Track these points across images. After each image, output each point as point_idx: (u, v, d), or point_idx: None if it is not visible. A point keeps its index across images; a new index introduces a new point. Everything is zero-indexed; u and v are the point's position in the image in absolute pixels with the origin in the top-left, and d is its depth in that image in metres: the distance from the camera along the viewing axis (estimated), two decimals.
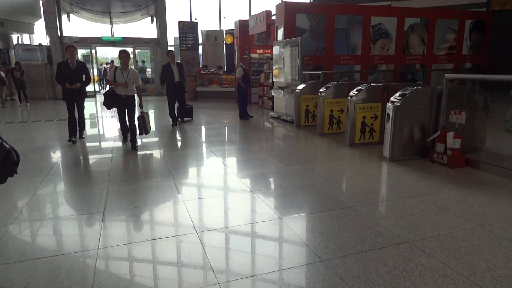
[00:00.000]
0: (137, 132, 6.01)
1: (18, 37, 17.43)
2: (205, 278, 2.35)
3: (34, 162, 5.28)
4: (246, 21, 12.80)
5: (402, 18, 9.65)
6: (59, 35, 15.48)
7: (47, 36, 15.52)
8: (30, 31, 17.74)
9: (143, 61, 18.35)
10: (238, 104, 9.26)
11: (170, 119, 8.43)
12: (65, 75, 6.06)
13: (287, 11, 8.68)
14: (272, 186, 4.25)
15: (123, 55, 5.77)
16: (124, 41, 16.61)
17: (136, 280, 2.35)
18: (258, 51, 12.59)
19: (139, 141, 6.54)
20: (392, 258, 2.51)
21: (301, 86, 7.78)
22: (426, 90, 5.09)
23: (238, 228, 3.08)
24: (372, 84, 6.04)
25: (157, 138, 7.01)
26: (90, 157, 5.88)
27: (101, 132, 8.30)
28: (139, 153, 5.83)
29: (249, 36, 12.82)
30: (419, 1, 11.83)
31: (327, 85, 7.00)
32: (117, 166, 5.05)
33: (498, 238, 2.78)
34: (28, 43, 17.54)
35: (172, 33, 18.28)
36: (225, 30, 15.52)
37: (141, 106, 6.12)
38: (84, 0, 16.35)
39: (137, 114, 6.15)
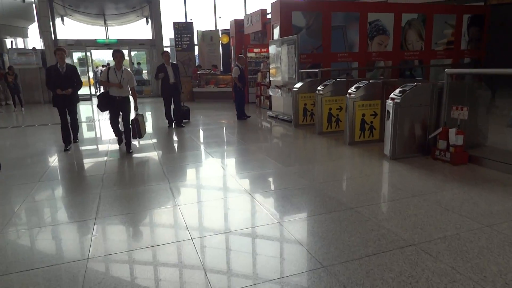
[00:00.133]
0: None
1: (12, 41, 17.24)
2: None
3: (26, 167, 5.14)
4: (242, 20, 12.65)
5: (399, 14, 9.53)
6: (53, 38, 15.33)
7: (41, 40, 15.35)
8: (24, 35, 17.54)
9: (138, 63, 18.19)
10: (235, 104, 9.13)
11: (167, 121, 8.30)
12: (56, 80, 5.78)
13: (283, 9, 8.55)
14: (271, 187, 4.12)
15: (117, 54, 5.56)
16: (119, 43, 16.44)
17: None
18: (255, 50, 12.46)
19: (136, 144, 6.41)
20: (397, 263, 2.39)
21: (298, 85, 7.66)
22: (427, 86, 4.97)
23: (236, 233, 2.95)
24: (371, 81, 5.92)
25: (153, 140, 6.88)
26: (83, 161, 5.73)
27: (96, 136, 8.16)
28: (134, 156, 5.69)
29: (245, 35, 12.68)
30: None
31: (325, 83, 6.87)
32: (111, 170, 4.91)
33: (508, 239, 2.66)
34: (22, 47, 17.36)
35: (168, 34, 18.14)
36: (221, 30, 15.37)
37: (135, 108, 5.94)
38: (77, 2, 16.18)
39: (132, 117, 5.97)
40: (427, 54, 10.14)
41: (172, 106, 8.22)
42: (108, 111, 5.99)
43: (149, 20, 17.24)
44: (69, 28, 17.61)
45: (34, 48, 15.28)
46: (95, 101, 15.09)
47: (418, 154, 5.02)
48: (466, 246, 2.58)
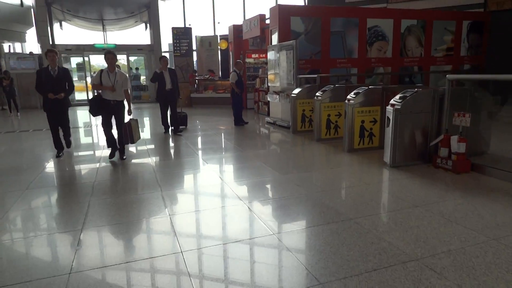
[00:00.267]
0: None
1: (9, 45, 17.17)
2: None
3: (14, 174, 4.98)
4: (240, 25, 12.60)
5: (398, 20, 9.46)
6: (51, 43, 15.25)
7: (39, 45, 15.27)
8: (22, 40, 17.48)
9: (137, 68, 18.11)
10: (233, 110, 9.00)
11: (163, 127, 8.16)
12: (47, 84, 5.54)
13: (281, 14, 8.46)
14: (267, 196, 3.97)
15: (109, 56, 5.33)
16: (118, 48, 16.36)
17: None
18: (253, 55, 12.38)
19: (134, 150, 6.25)
20: (399, 280, 2.23)
21: (296, 90, 7.54)
22: (428, 92, 4.84)
23: (229, 246, 2.79)
24: (370, 87, 5.80)
25: (148, 146, 6.73)
26: (75, 168, 5.56)
27: (91, 141, 8.01)
28: (127, 162, 5.53)
29: (244, 40, 12.61)
30: (415, 3, 11.69)
31: (324, 88, 6.76)
32: (102, 177, 4.76)
33: None
34: (20, 51, 17.28)
35: (166, 39, 18.09)
36: (220, 35, 15.32)
37: (129, 112, 5.70)
38: (76, 7, 16.14)
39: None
40: (426, 61, 10.06)
41: (169, 112, 8.08)
42: (100, 116, 5.63)
43: (148, 25, 17.19)
44: (67, 33, 17.52)
45: (31, 53, 15.20)
46: None
47: (419, 162, 4.88)
48: (472, 261, 2.42)
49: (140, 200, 3.83)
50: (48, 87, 5.56)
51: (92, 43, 16.36)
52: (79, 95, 16.53)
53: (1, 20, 15.15)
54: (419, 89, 4.87)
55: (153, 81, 7.93)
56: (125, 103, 5.63)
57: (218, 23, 16.94)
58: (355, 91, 5.72)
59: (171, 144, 7.11)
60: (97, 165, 5.41)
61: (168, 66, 7.92)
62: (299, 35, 8.49)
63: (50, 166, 5.45)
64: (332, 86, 6.79)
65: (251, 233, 3.02)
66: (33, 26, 16.34)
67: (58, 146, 5.98)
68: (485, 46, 10.79)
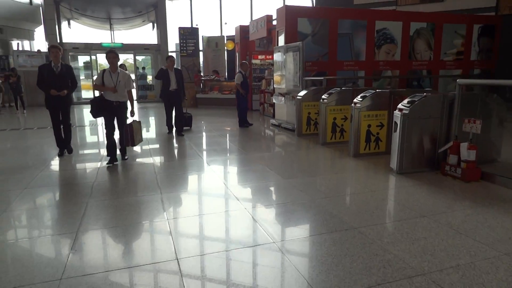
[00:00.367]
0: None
1: (18, 43, 17.31)
2: None
3: (15, 172, 4.93)
4: (247, 26, 12.51)
5: (407, 23, 9.29)
6: (59, 41, 15.32)
7: (47, 43, 15.35)
8: (31, 38, 17.62)
9: (143, 68, 18.13)
10: (237, 111, 8.91)
11: (167, 127, 8.10)
12: (49, 80, 5.44)
13: (288, 15, 8.35)
14: (269, 202, 3.86)
15: (110, 55, 5.16)
16: (125, 48, 16.41)
17: None
18: (259, 57, 12.28)
19: (136, 150, 6.18)
20: None
21: (302, 93, 7.42)
22: (437, 97, 4.70)
23: (226, 254, 2.69)
24: (377, 90, 5.66)
25: (151, 147, 6.66)
26: (76, 167, 5.50)
27: (93, 140, 7.97)
28: (128, 163, 5.46)
29: (250, 42, 12.53)
30: (425, 6, 11.49)
31: (330, 91, 6.63)
32: (102, 178, 4.69)
33: None
34: (29, 49, 17.41)
35: (173, 39, 18.07)
36: (226, 36, 15.26)
37: (132, 114, 5.60)
38: (84, 6, 16.21)
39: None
40: (435, 64, 9.86)
41: (174, 113, 8.00)
42: (102, 117, 5.41)
43: (155, 25, 17.20)
44: (75, 32, 17.63)
45: (39, 51, 15.29)
46: None
47: (426, 169, 4.74)
48: (483, 278, 2.29)
49: (139, 203, 3.74)
50: (50, 84, 5.45)
51: (99, 42, 16.40)
52: (86, 94, 16.60)
53: (10, 18, 15.28)
54: (428, 93, 4.72)
55: (157, 77, 7.85)
56: (128, 104, 5.52)
57: (225, 23, 16.90)
58: (362, 95, 5.59)
59: (175, 145, 7.04)
60: (98, 164, 5.35)
61: (175, 66, 7.85)
62: (306, 36, 8.37)
63: (51, 165, 5.40)
64: (339, 88, 6.66)
65: (250, 241, 2.92)
66: (41, 24, 16.45)
67: (61, 144, 5.92)
68: (497, 50, 10.57)
